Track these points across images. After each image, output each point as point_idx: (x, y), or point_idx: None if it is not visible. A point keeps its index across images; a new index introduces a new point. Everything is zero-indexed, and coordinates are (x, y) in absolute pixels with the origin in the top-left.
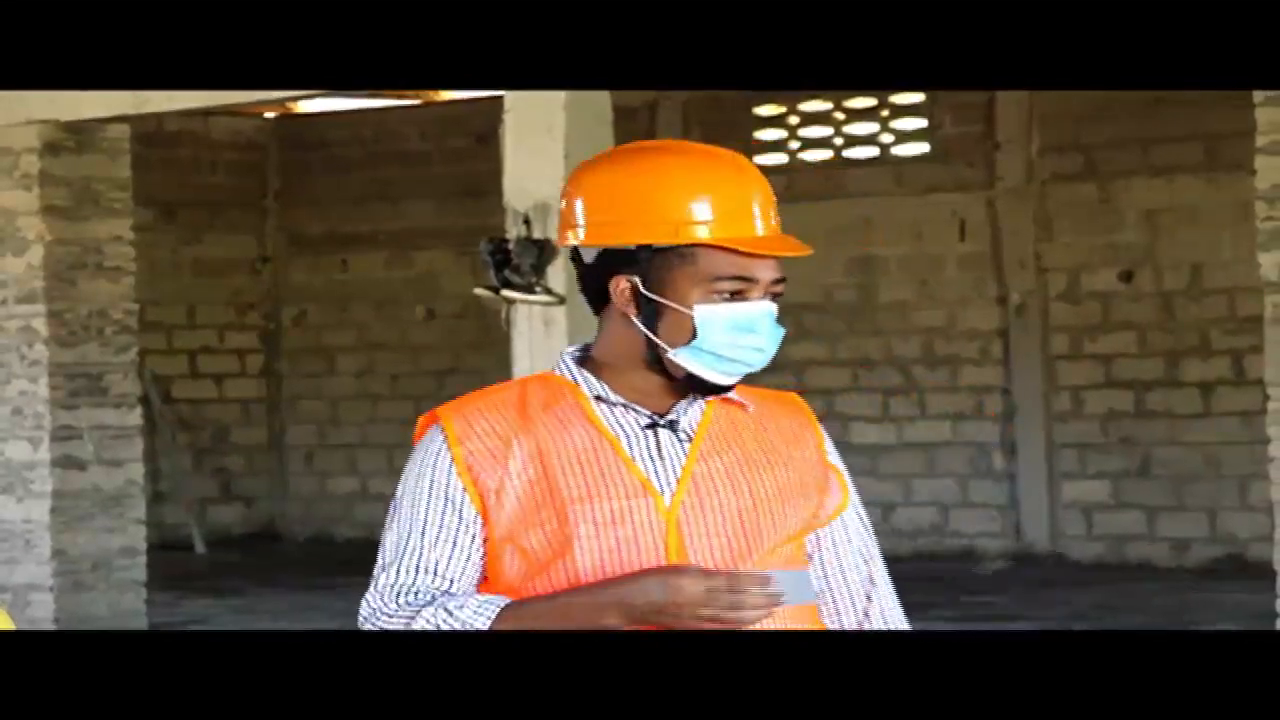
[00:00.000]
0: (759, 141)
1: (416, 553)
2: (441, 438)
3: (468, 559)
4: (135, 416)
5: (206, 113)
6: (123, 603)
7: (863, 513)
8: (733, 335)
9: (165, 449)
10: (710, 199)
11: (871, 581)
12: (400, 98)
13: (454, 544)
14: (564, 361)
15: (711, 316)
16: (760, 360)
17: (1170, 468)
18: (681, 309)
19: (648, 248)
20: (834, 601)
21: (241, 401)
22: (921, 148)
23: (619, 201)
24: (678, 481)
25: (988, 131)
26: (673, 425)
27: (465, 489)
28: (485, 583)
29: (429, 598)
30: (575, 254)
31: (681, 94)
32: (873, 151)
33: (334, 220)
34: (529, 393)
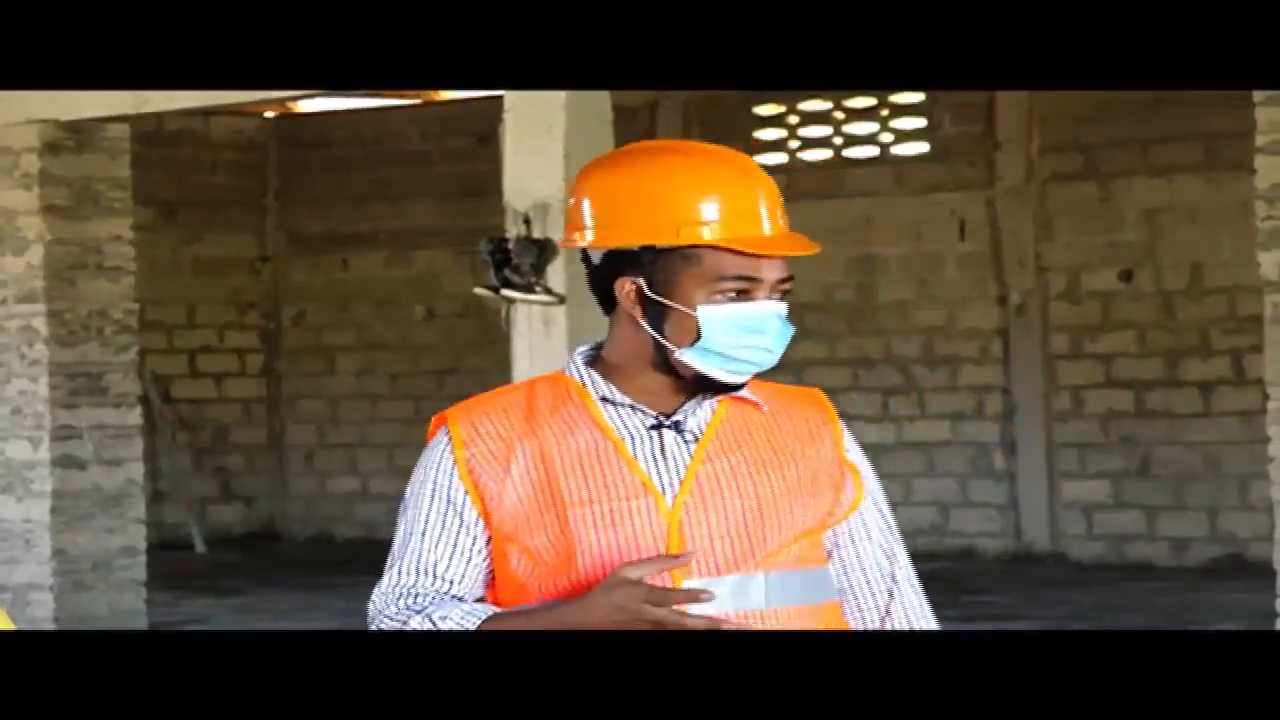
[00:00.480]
0: (759, 141)
1: (417, 554)
2: (446, 440)
3: (469, 561)
4: (135, 416)
5: (207, 112)
6: (122, 602)
7: (886, 511)
8: (738, 336)
9: (165, 449)
10: (713, 199)
11: (894, 579)
12: (400, 97)
13: (454, 546)
14: (574, 362)
15: (715, 317)
16: (768, 360)
17: (1170, 467)
18: (685, 310)
19: (652, 249)
20: (856, 599)
21: (241, 401)
22: (921, 147)
23: (623, 203)
24: (681, 482)
25: (988, 131)
26: (678, 426)
27: (467, 491)
28: (495, 583)
29: (427, 600)
30: (584, 255)
31: (681, 94)
32: (873, 151)
33: (334, 220)
34: (537, 394)
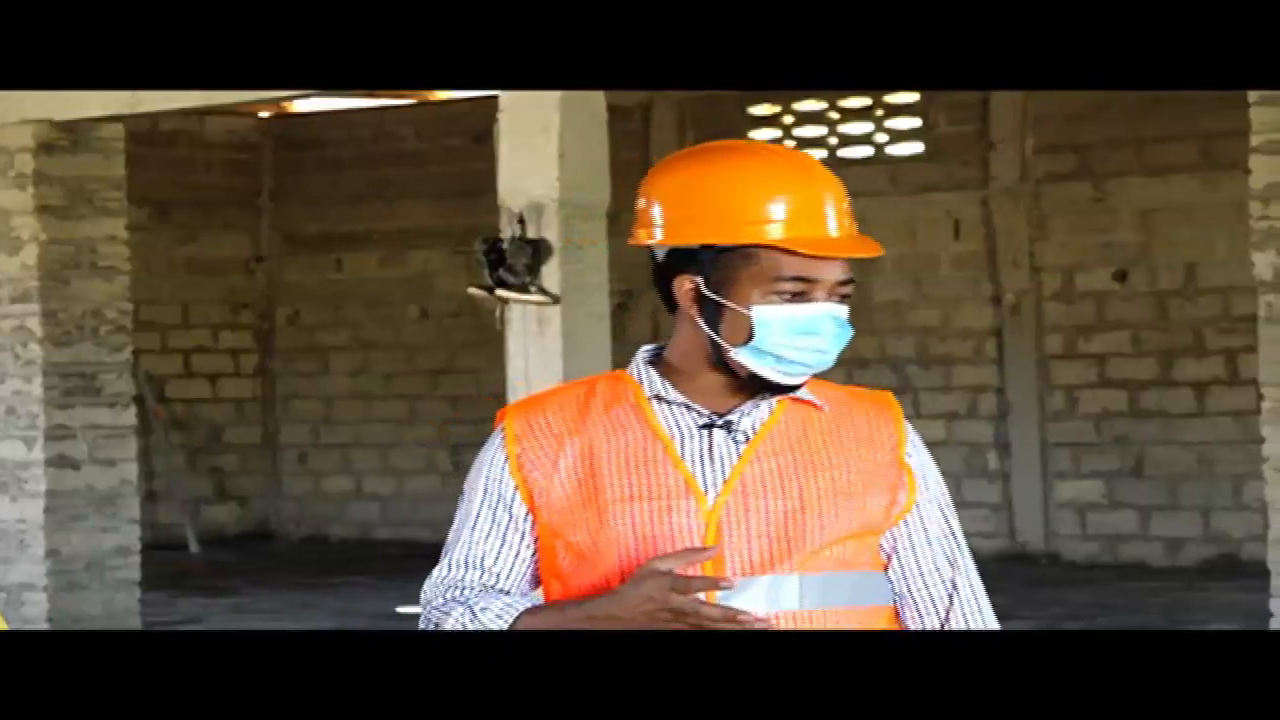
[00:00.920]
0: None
1: (466, 547)
2: (501, 435)
3: (516, 555)
4: (129, 416)
5: (201, 112)
6: (116, 602)
7: (951, 517)
8: (791, 337)
9: (159, 448)
10: (775, 200)
11: (954, 586)
12: (395, 97)
13: (503, 540)
14: (636, 360)
15: (769, 317)
16: (822, 361)
17: (1164, 467)
18: (739, 309)
19: (711, 248)
20: (915, 604)
21: (235, 401)
22: (916, 147)
23: (685, 202)
24: (725, 482)
25: (982, 131)
26: (729, 426)
27: (516, 487)
28: (544, 578)
29: (472, 593)
30: (650, 255)
31: (677, 94)
32: (867, 151)
33: (329, 220)
34: (597, 391)
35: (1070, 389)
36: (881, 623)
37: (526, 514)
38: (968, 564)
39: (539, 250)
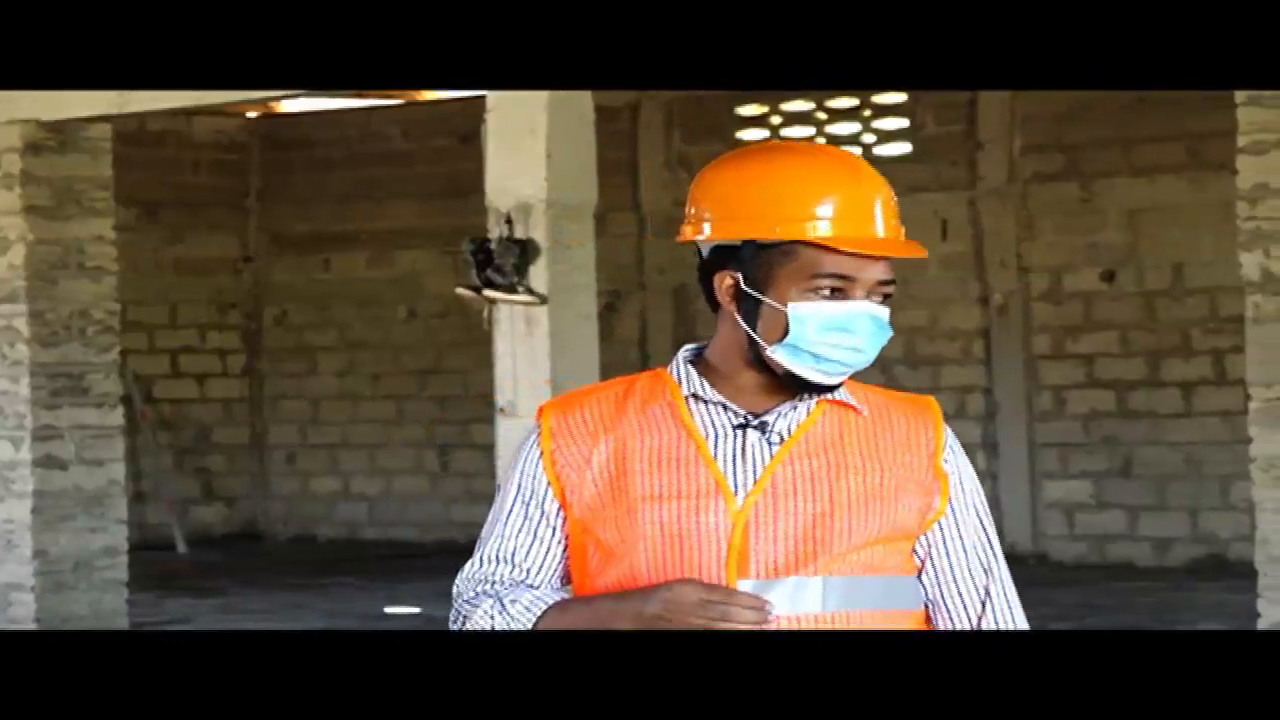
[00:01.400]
0: (741, 142)
1: (498, 541)
2: (537, 432)
3: (547, 550)
4: (117, 416)
5: (189, 112)
6: (104, 603)
7: (987, 523)
8: (826, 334)
9: (147, 449)
10: (817, 197)
11: (987, 593)
12: (383, 98)
13: (534, 535)
14: (677, 358)
15: (805, 314)
16: (859, 360)
17: (1152, 467)
18: (776, 305)
19: (752, 244)
20: (947, 610)
21: (223, 401)
22: (903, 147)
23: (728, 199)
24: (755, 483)
25: (970, 131)
26: (763, 426)
27: (549, 483)
28: (574, 574)
29: (502, 587)
30: (697, 252)
31: (664, 94)
32: (855, 151)
33: (316, 220)
34: (636, 389)
35: (1058, 389)
36: (908, 627)
37: (559, 510)
38: (1003, 572)
39: (526, 250)
